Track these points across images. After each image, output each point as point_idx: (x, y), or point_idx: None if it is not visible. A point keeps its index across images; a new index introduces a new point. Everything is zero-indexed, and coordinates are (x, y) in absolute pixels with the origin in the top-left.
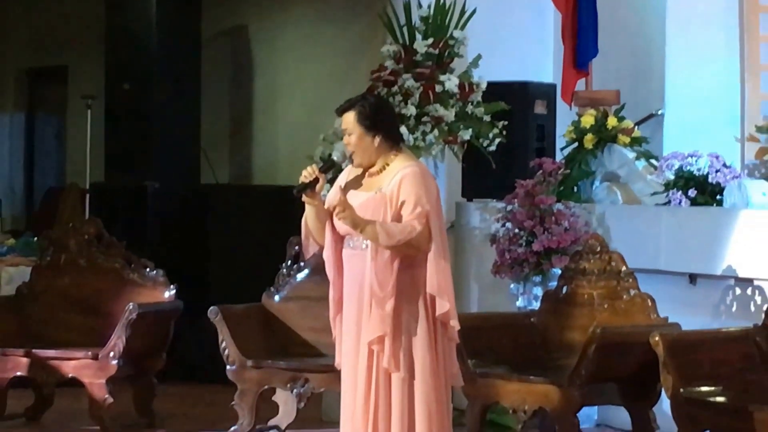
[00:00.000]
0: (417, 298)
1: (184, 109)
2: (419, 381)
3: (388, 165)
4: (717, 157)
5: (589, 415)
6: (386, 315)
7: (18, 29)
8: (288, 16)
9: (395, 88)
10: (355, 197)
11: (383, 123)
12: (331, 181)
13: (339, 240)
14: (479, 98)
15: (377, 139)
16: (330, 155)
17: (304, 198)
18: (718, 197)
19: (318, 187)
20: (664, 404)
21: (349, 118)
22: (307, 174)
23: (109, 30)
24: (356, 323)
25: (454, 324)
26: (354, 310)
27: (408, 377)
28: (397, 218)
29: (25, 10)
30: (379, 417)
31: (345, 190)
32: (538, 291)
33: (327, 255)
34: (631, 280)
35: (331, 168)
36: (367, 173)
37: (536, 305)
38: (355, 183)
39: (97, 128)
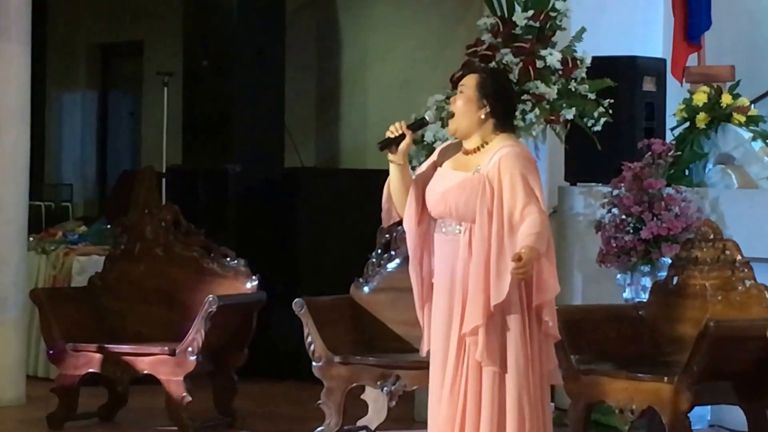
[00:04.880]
0: (512, 289)
1: (267, 86)
2: (512, 376)
3: (486, 144)
4: None
5: (701, 415)
6: (483, 305)
7: (90, 2)
8: None
9: (493, 64)
10: (450, 176)
11: (497, 99)
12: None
13: (423, 216)
14: (583, 74)
15: (483, 111)
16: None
17: (388, 156)
18: None
19: (404, 144)
20: None
21: (470, 80)
22: (394, 129)
23: (188, 2)
24: (447, 313)
25: (546, 317)
26: (444, 299)
27: (500, 371)
28: (499, 202)
29: None
30: (467, 413)
31: (442, 168)
32: (647, 281)
33: (409, 229)
34: (746, 270)
35: (421, 126)
36: (462, 151)
37: (644, 297)
38: (452, 161)
39: (174, 107)
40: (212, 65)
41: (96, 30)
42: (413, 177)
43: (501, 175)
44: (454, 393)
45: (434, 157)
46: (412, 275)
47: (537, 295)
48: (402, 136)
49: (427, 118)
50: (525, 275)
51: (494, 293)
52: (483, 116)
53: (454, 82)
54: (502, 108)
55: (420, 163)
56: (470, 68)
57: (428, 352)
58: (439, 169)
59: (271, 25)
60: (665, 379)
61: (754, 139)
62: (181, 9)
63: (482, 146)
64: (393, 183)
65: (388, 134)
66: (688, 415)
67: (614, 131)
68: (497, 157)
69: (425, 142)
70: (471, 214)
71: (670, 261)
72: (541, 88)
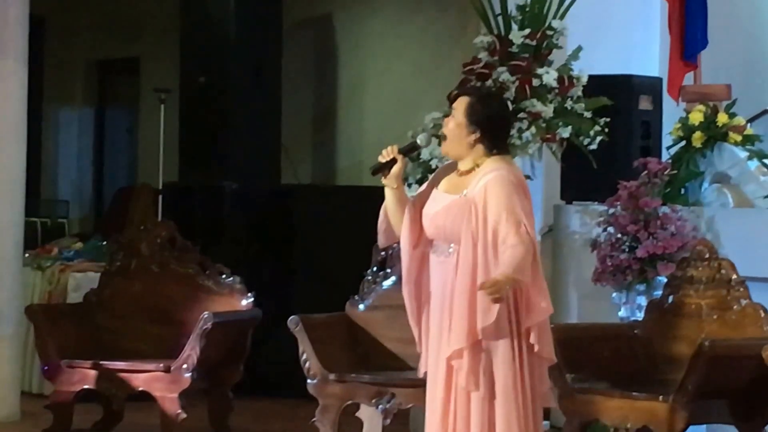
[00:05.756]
0: (501, 312)
1: (264, 103)
2: (500, 401)
3: (478, 166)
4: None
5: None
6: (467, 328)
7: (88, 18)
8: (375, 4)
9: (489, 82)
10: (441, 199)
11: (488, 123)
12: (421, 180)
13: (420, 238)
14: (579, 93)
15: (473, 136)
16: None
17: (382, 180)
18: None
19: (395, 168)
20: None
21: (460, 103)
22: (386, 154)
23: (185, 19)
24: (438, 335)
25: (533, 341)
26: (438, 320)
27: (488, 396)
28: (484, 225)
29: None
30: None
31: (437, 190)
32: (642, 300)
33: (405, 249)
34: (742, 289)
35: (412, 150)
36: (457, 172)
37: (640, 315)
38: (447, 182)
39: (170, 124)
40: (209, 82)
41: (93, 46)
42: (411, 198)
43: (487, 199)
44: (446, 417)
45: (434, 176)
46: (405, 295)
47: (527, 317)
48: (393, 161)
49: (418, 141)
50: (496, 294)
51: (481, 316)
52: (472, 141)
53: (451, 100)
54: (493, 132)
55: (416, 181)
56: (463, 90)
57: (426, 372)
58: (434, 190)
59: (269, 43)
60: (660, 397)
61: (750, 158)
62: (178, 26)
63: (474, 168)
64: (389, 206)
65: (380, 159)
66: None
67: (610, 150)
68: (484, 181)
69: (421, 160)
70: (457, 237)
71: (665, 280)
72: (538, 106)
